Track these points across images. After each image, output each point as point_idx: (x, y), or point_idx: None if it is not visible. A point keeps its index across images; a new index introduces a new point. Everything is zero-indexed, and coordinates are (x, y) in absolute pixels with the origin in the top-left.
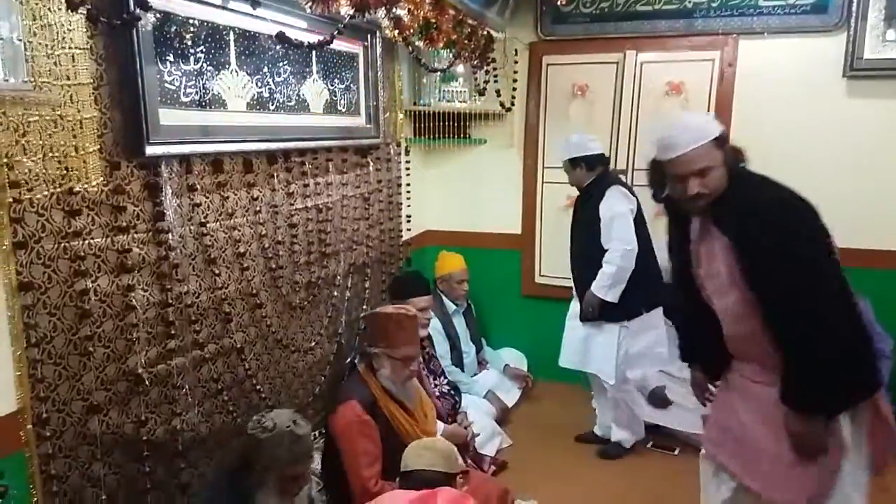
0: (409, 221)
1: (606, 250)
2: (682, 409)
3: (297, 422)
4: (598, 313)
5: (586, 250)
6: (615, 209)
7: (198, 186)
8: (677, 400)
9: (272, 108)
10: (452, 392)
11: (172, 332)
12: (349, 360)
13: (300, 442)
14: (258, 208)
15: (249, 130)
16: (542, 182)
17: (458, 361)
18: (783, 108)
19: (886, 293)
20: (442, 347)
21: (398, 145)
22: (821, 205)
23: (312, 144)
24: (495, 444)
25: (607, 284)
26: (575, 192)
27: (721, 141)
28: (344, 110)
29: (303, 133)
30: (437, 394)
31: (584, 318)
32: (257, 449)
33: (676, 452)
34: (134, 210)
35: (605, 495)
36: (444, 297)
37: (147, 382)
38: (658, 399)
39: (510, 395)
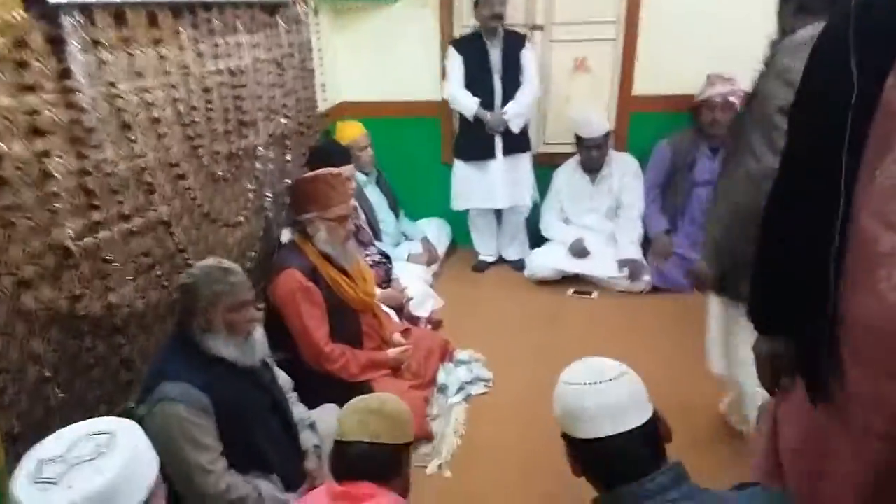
0: (323, 91)
1: None
2: (598, 258)
3: (222, 261)
4: None
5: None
6: None
7: (102, 41)
8: (594, 249)
9: None
10: (384, 260)
11: (95, 202)
12: (278, 234)
13: (231, 273)
14: (168, 69)
15: None
16: None
17: (375, 234)
18: None
19: None
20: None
21: (305, 3)
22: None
23: None
24: (429, 306)
25: None
26: None
27: None
28: None
29: None
30: (369, 263)
31: None
32: (192, 293)
33: (594, 296)
34: (39, 67)
35: (534, 342)
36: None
37: (76, 256)
38: (578, 250)
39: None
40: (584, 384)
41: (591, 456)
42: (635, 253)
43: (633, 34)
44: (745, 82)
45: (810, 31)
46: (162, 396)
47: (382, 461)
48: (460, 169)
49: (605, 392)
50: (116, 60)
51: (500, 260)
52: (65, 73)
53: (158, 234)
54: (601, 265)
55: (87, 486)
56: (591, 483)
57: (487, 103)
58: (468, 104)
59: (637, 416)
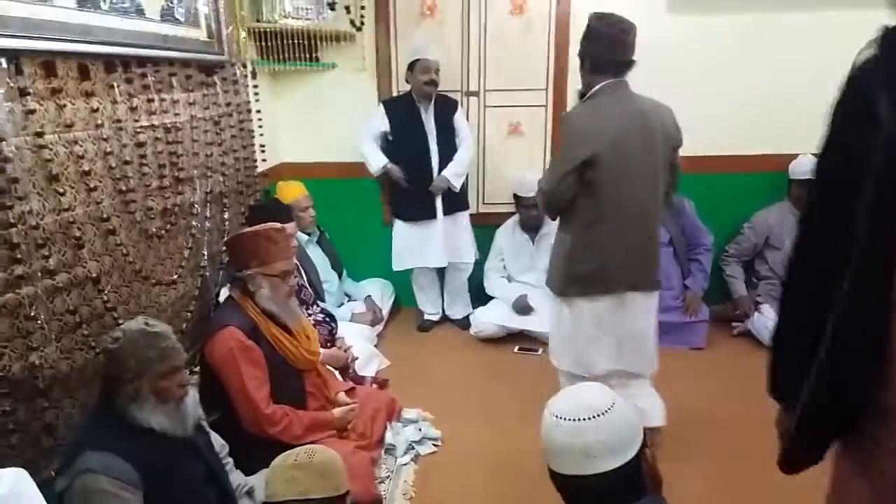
0: (263, 151)
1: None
2: (541, 314)
3: (149, 322)
4: None
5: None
6: None
7: (30, 90)
8: (537, 306)
9: (105, 7)
10: (328, 319)
11: (18, 255)
12: (215, 293)
13: (159, 338)
14: (100, 121)
15: (82, 30)
16: None
17: (318, 294)
18: None
19: (706, 195)
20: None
21: (244, 66)
22: None
23: (152, 53)
24: (374, 366)
25: None
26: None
27: None
28: (182, 20)
29: (140, 39)
30: (313, 322)
31: None
32: (116, 360)
33: (539, 352)
34: None
35: (481, 399)
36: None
37: None
38: (521, 307)
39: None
40: (566, 420)
41: (568, 487)
42: None
43: (561, 100)
44: None
45: None
46: (83, 468)
47: None
48: (400, 229)
49: (590, 430)
50: (45, 111)
51: (445, 319)
52: None
53: (86, 291)
54: (545, 321)
55: None
56: None
57: (424, 166)
58: (377, 159)
59: (619, 457)
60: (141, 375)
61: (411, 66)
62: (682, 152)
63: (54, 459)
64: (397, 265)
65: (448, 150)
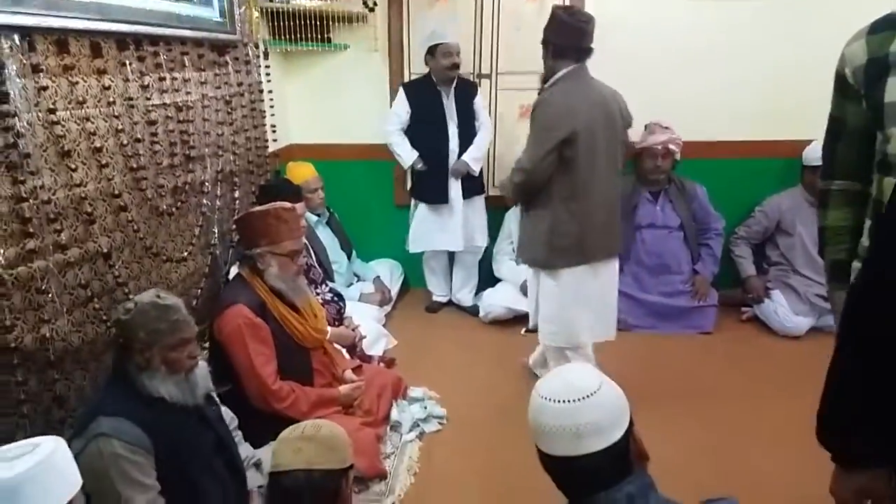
0: (274, 132)
1: None
2: None
3: (160, 294)
4: None
5: None
6: None
7: (43, 67)
8: None
9: None
10: (336, 298)
11: (30, 230)
12: (225, 271)
13: (169, 310)
14: (111, 99)
15: (96, 8)
16: None
17: (328, 274)
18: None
19: (718, 180)
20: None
21: (256, 46)
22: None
23: (165, 32)
24: (382, 345)
25: None
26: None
27: None
28: None
29: (153, 18)
30: (321, 301)
31: None
32: (128, 330)
33: None
34: None
35: (487, 379)
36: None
37: (8, 284)
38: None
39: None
40: (556, 402)
41: (557, 469)
42: None
43: None
44: (681, 131)
45: None
46: (97, 432)
47: (320, 488)
48: (421, 212)
49: (578, 412)
50: (57, 87)
51: (451, 303)
52: (2, 97)
53: (97, 266)
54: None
55: None
56: (561, 491)
57: (443, 150)
58: (407, 156)
59: (607, 437)
60: (151, 346)
61: (432, 51)
62: (695, 137)
63: (65, 431)
64: (414, 247)
65: (468, 133)
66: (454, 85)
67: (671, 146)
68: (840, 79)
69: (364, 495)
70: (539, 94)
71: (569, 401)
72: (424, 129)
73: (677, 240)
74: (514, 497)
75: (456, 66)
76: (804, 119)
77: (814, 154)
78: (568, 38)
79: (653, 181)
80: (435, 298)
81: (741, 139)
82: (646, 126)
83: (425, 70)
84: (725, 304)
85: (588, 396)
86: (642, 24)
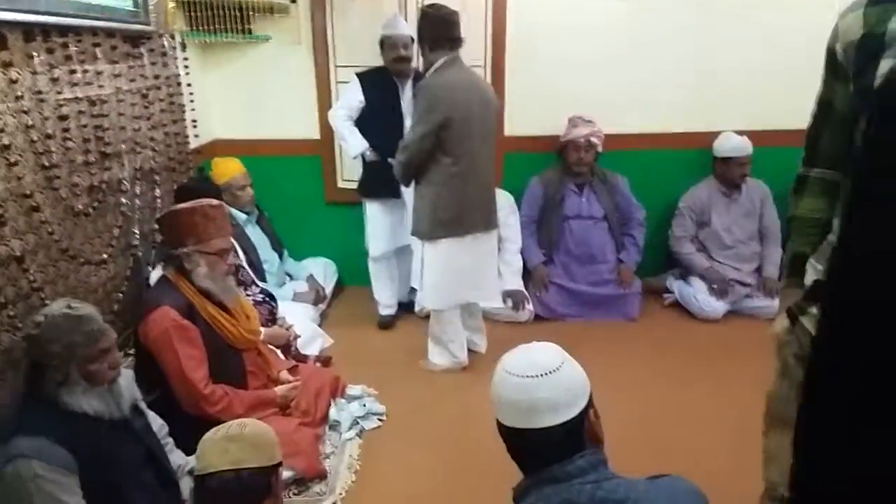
0: (195, 127)
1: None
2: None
3: (71, 304)
4: None
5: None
6: None
7: None
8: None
9: None
10: (267, 299)
11: None
12: (147, 274)
13: (83, 320)
14: (19, 93)
15: None
16: (336, 82)
17: (259, 274)
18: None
19: (638, 171)
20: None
21: (172, 38)
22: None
23: (74, 22)
24: (318, 345)
25: None
26: None
27: None
28: None
29: (61, 7)
30: (252, 303)
31: None
32: (40, 345)
33: None
34: None
35: (425, 374)
36: (230, 209)
37: None
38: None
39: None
40: (516, 376)
41: (511, 439)
42: (517, 284)
43: (500, 77)
44: (603, 124)
45: None
46: (14, 453)
47: (249, 487)
48: (373, 211)
49: (536, 387)
50: None
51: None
52: None
53: (10, 271)
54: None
55: None
56: (515, 462)
57: (396, 143)
58: (355, 144)
59: (562, 414)
60: (68, 360)
61: (382, 44)
62: (616, 130)
63: None
64: (374, 251)
65: None
66: (412, 78)
67: (593, 139)
68: (830, 56)
69: (304, 496)
70: (421, 78)
71: (528, 376)
72: (377, 122)
73: (602, 230)
74: (457, 488)
75: (402, 60)
76: (714, 112)
77: (723, 145)
78: (440, 31)
79: (577, 173)
80: (383, 312)
81: (658, 131)
82: (569, 119)
83: (356, 63)
84: (648, 292)
85: (547, 374)
86: (563, 27)
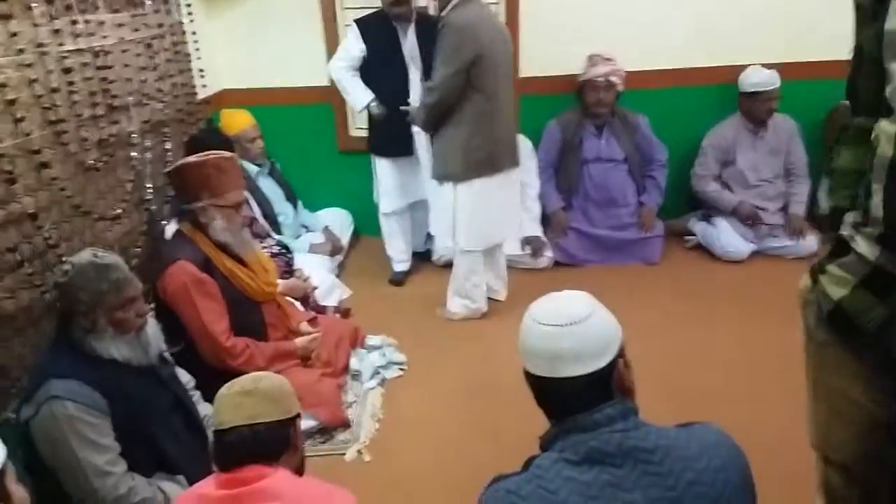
0: (203, 76)
1: None
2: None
3: (98, 253)
4: None
5: None
6: None
7: None
8: None
9: None
10: (283, 250)
11: None
12: (162, 228)
13: (109, 269)
14: (21, 46)
15: None
16: (344, 25)
17: (274, 226)
18: None
19: (661, 110)
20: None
21: None
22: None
23: None
24: (336, 296)
25: None
26: None
27: None
28: None
29: None
30: (268, 255)
31: None
32: (68, 293)
33: None
34: None
35: (444, 323)
36: (241, 161)
37: None
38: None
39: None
40: (542, 324)
41: (536, 387)
42: (536, 230)
43: (514, 12)
44: (624, 61)
45: None
46: (49, 395)
47: (267, 441)
48: (383, 167)
49: (561, 336)
50: None
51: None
52: None
53: (24, 228)
54: (505, 244)
55: None
56: (541, 409)
57: (402, 94)
58: (359, 97)
59: (588, 365)
60: (95, 308)
61: None
62: (636, 67)
63: (8, 401)
64: (386, 207)
65: (430, 76)
66: (414, 22)
67: (613, 78)
68: None
69: (329, 444)
70: (439, 19)
71: (554, 325)
72: (381, 73)
73: (622, 172)
74: (480, 435)
75: (400, 3)
76: (740, 44)
77: (748, 80)
78: None
79: (596, 115)
80: (396, 268)
81: (679, 66)
82: (588, 57)
83: (362, 4)
84: (671, 234)
85: (574, 323)
86: None
